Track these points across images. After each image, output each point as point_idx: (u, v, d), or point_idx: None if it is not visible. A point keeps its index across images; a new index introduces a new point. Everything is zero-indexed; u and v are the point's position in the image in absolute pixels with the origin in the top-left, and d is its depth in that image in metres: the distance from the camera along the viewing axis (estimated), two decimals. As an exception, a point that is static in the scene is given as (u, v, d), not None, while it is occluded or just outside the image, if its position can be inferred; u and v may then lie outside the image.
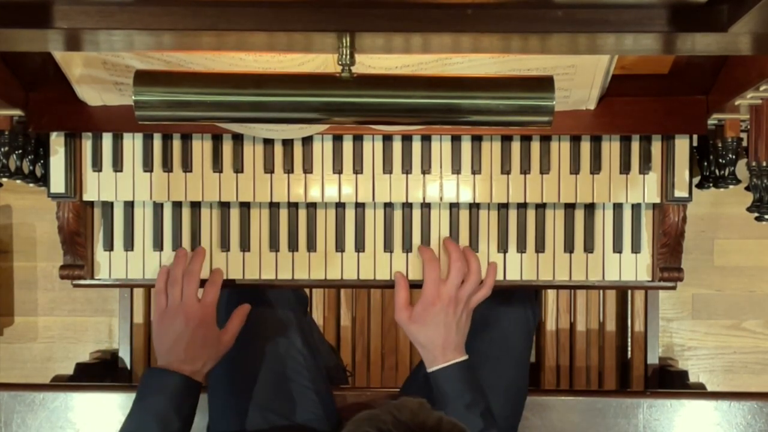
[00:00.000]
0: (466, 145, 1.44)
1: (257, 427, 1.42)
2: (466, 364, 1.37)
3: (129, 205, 1.48)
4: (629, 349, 2.21)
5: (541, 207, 1.48)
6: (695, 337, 2.39)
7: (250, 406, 1.44)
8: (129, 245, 1.48)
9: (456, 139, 1.44)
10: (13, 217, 2.37)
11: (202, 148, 1.45)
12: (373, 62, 1.21)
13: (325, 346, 1.88)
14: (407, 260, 1.47)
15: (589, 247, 1.47)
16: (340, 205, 1.47)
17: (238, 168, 1.44)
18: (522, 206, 1.47)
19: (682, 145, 1.43)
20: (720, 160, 1.43)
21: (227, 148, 1.44)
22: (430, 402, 1.21)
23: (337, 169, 1.44)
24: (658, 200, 1.45)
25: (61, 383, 1.99)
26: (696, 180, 1.50)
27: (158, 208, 1.48)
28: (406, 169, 1.45)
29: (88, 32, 0.98)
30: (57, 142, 1.43)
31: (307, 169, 1.44)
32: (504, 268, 1.47)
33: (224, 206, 1.48)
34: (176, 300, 1.38)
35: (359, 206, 1.47)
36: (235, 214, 1.48)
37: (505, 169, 1.44)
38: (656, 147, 1.44)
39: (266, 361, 1.45)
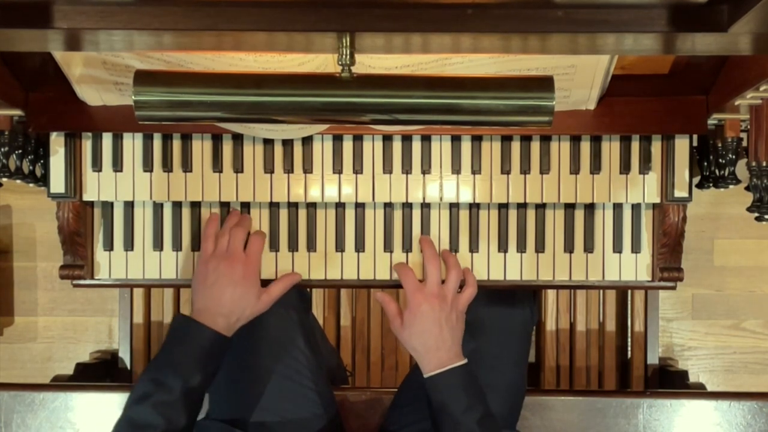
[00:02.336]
0: (466, 145, 1.44)
1: (258, 426, 1.42)
2: (464, 369, 1.35)
3: (129, 205, 1.48)
4: (629, 349, 2.21)
5: (541, 207, 1.48)
6: (695, 337, 2.39)
7: (251, 406, 1.43)
8: (129, 245, 1.48)
9: (456, 139, 1.44)
10: (13, 217, 2.38)
11: (202, 148, 1.45)
12: (373, 62, 1.21)
13: (326, 346, 1.89)
14: (407, 260, 1.47)
15: (589, 247, 1.47)
16: (340, 205, 1.47)
17: (238, 168, 1.44)
18: (522, 206, 1.48)
19: (682, 145, 1.43)
20: (720, 160, 1.43)
21: (227, 148, 1.45)
22: (428, 407, 1.21)
23: (337, 169, 1.45)
24: (658, 200, 1.45)
25: (61, 383, 1.99)
26: (696, 180, 1.50)
27: (158, 208, 1.48)
28: (406, 169, 1.45)
29: (88, 32, 0.98)
30: (57, 142, 1.43)
31: (307, 169, 1.44)
32: (504, 268, 1.47)
33: (224, 206, 1.48)
34: (223, 247, 1.39)
35: (359, 206, 1.47)
36: (235, 214, 1.48)
37: (505, 169, 1.44)
38: (656, 147, 1.44)
39: (268, 360, 1.45)
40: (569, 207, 1.48)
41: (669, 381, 2.13)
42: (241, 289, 1.36)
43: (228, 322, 1.34)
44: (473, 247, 1.47)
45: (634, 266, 1.48)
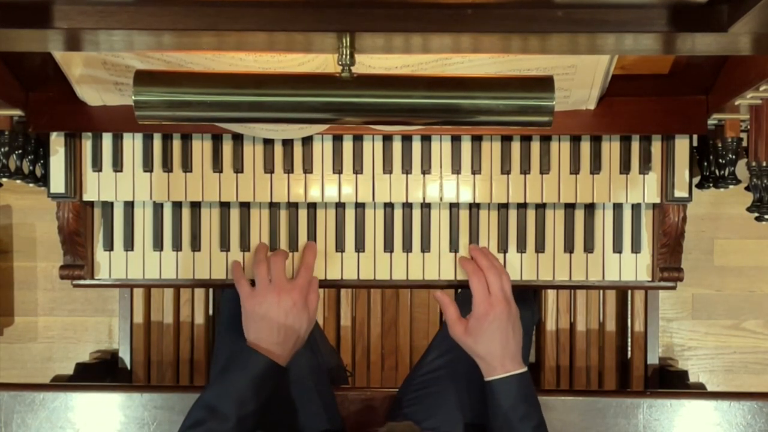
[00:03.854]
0: (466, 145, 1.44)
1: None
2: (525, 377, 1.36)
3: (129, 205, 1.48)
4: (629, 349, 2.21)
5: (541, 207, 1.48)
6: (695, 337, 2.39)
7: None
8: (129, 245, 1.48)
9: (456, 139, 1.44)
10: (13, 217, 2.37)
11: (202, 148, 1.45)
12: (373, 62, 1.21)
13: (326, 346, 1.88)
14: (407, 260, 1.47)
15: (589, 247, 1.47)
16: (340, 205, 1.47)
17: (238, 168, 1.44)
18: (522, 206, 1.48)
19: (682, 145, 1.43)
20: (720, 160, 1.43)
21: (227, 148, 1.45)
22: (488, 412, 1.20)
23: (337, 169, 1.45)
24: (658, 200, 1.45)
25: (61, 383, 1.98)
26: (696, 180, 1.50)
27: (158, 208, 1.48)
28: (406, 169, 1.45)
29: (88, 32, 0.98)
30: (57, 142, 1.43)
31: (307, 169, 1.44)
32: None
33: (224, 206, 1.48)
34: (264, 280, 1.37)
35: (359, 206, 1.47)
36: (235, 214, 1.48)
37: (505, 169, 1.44)
38: (656, 147, 1.44)
39: None
40: (569, 207, 1.48)
41: (669, 381, 2.13)
42: (292, 317, 1.35)
43: (284, 349, 1.34)
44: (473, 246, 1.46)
45: (634, 266, 1.48)
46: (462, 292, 1.45)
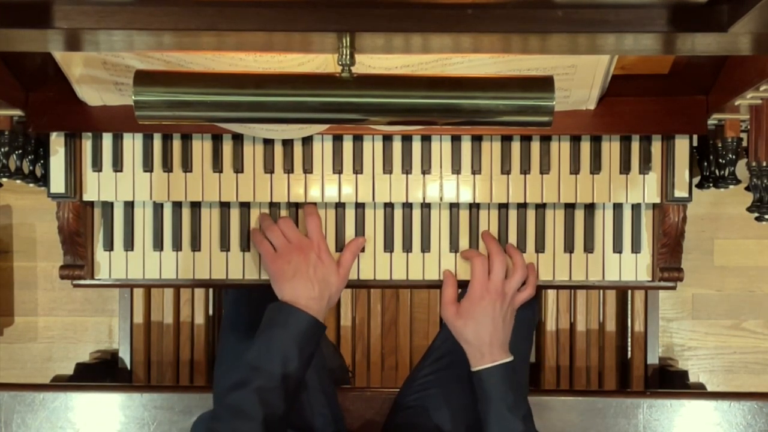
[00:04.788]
0: (466, 145, 1.44)
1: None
2: (511, 366, 1.37)
3: (129, 205, 1.48)
4: (629, 349, 2.21)
5: (541, 207, 1.48)
6: (695, 337, 2.39)
7: None
8: (129, 245, 1.48)
9: (456, 139, 1.44)
10: (13, 217, 2.38)
11: (202, 148, 1.45)
12: (373, 62, 1.21)
13: (328, 347, 1.89)
14: (407, 260, 1.47)
15: (589, 247, 1.47)
16: (340, 205, 1.47)
17: (238, 168, 1.44)
18: (522, 206, 1.48)
19: (682, 145, 1.43)
20: (720, 160, 1.43)
21: (227, 148, 1.45)
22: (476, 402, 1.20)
23: (337, 169, 1.45)
24: (658, 200, 1.45)
25: (61, 383, 1.98)
26: (696, 180, 1.50)
27: (158, 208, 1.48)
28: (406, 169, 1.45)
29: (88, 32, 0.98)
30: (57, 142, 1.43)
31: (307, 169, 1.44)
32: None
33: (224, 206, 1.48)
34: (282, 241, 1.39)
35: (359, 206, 1.47)
36: (235, 214, 1.48)
37: (505, 169, 1.44)
38: (656, 147, 1.44)
39: None
40: (569, 207, 1.48)
41: (669, 381, 2.13)
42: (321, 270, 1.36)
43: (320, 305, 1.34)
44: (473, 247, 1.46)
45: (634, 266, 1.48)
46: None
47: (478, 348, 1.37)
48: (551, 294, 2.18)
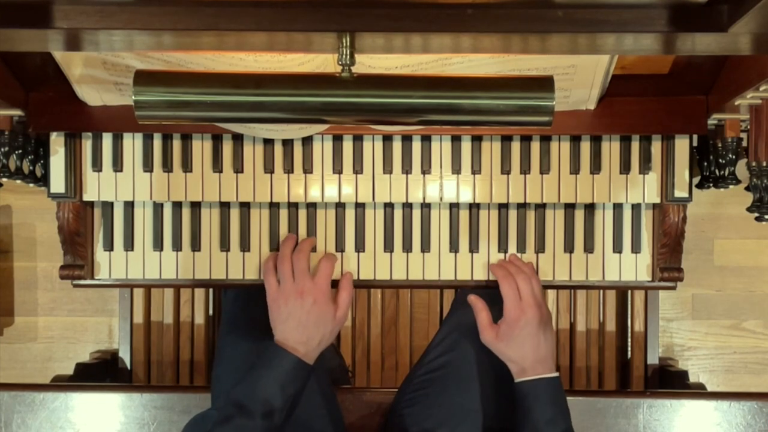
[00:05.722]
0: (466, 145, 1.44)
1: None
2: (555, 382, 1.37)
3: (129, 205, 1.48)
4: (629, 349, 2.21)
5: (541, 207, 1.48)
6: (695, 337, 2.39)
7: None
8: (129, 245, 1.48)
9: (456, 139, 1.44)
10: (13, 217, 2.37)
11: (202, 148, 1.45)
12: (373, 62, 1.21)
13: (328, 347, 1.88)
14: (407, 260, 1.47)
15: (589, 247, 1.48)
16: (340, 205, 1.47)
17: (238, 168, 1.44)
18: (522, 206, 1.48)
19: (682, 145, 1.43)
20: (720, 160, 1.43)
21: (227, 148, 1.45)
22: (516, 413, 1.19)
23: (337, 169, 1.45)
24: (658, 200, 1.45)
25: (61, 383, 1.98)
26: (696, 180, 1.50)
27: (158, 208, 1.48)
28: (406, 169, 1.45)
29: (88, 32, 0.98)
30: (57, 142, 1.43)
31: (307, 169, 1.44)
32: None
33: (224, 206, 1.48)
34: (288, 279, 1.38)
35: (359, 206, 1.47)
36: (235, 214, 1.48)
37: (505, 169, 1.44)
38: (656, 147, 1.44)
39: None
40: (569, 207, 1.48)
41: (669, 381, 2.13)
42: (315, 315, 1.36)
43: (308, 348, 1.35)
44: (473, 248, 1.47)
45: (634, 266, 1.48)
46: (489, 291, 1.45)
47: (521, 365, 1.37)
48: (551, 294, 2.18)
